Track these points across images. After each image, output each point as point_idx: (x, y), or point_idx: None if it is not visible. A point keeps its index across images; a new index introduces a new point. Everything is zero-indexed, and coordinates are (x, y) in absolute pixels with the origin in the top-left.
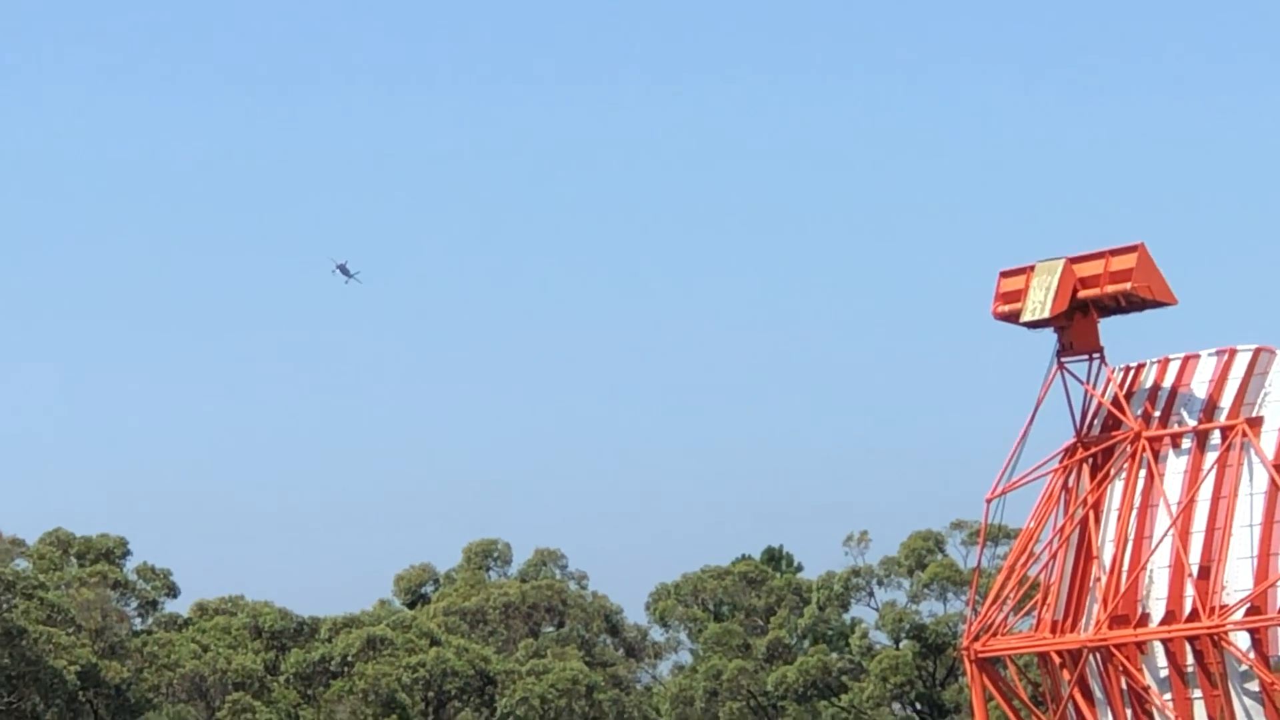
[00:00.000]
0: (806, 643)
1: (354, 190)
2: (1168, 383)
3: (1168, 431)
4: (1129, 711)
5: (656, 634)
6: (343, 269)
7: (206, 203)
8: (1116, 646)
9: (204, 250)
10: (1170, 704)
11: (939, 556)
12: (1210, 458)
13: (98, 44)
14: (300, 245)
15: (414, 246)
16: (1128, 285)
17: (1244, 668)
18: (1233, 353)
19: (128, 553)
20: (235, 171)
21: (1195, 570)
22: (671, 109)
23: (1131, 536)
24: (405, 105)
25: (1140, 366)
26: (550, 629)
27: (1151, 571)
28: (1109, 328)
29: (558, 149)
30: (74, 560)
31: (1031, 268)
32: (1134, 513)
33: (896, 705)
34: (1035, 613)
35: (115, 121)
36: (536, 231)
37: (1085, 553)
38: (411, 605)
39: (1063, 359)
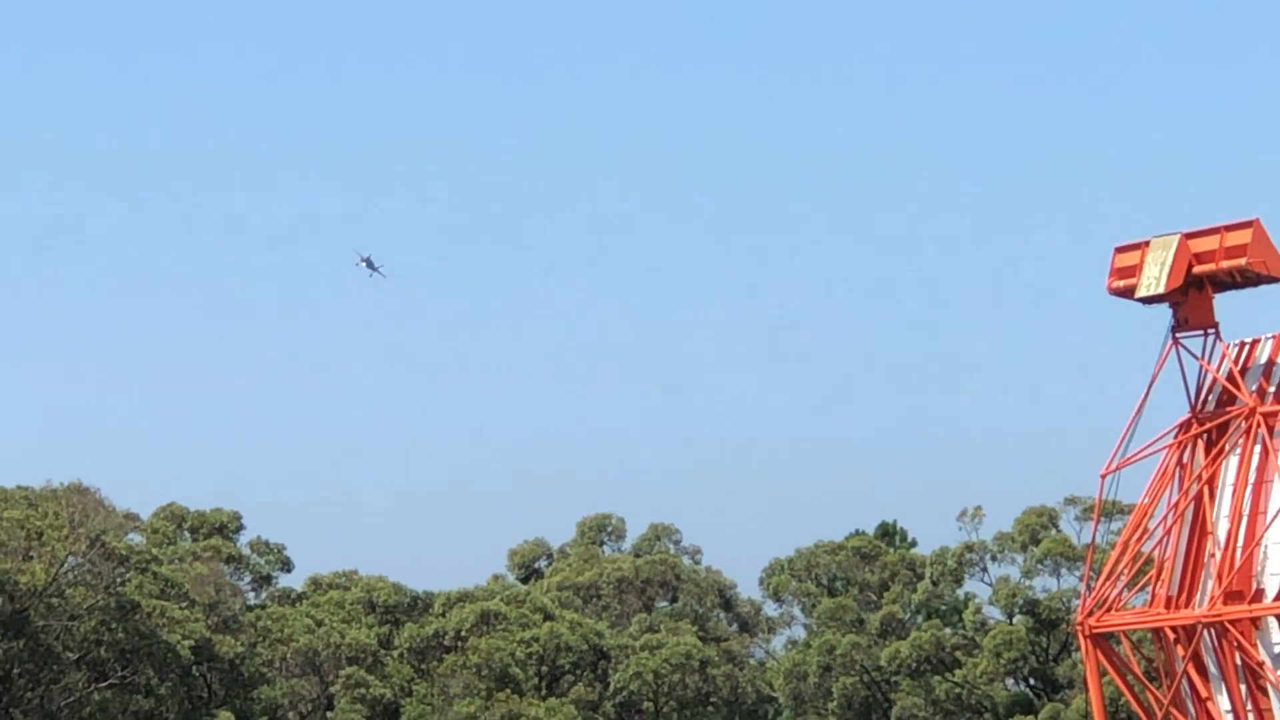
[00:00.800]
0: (920, 618)
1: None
2: None
3: None
4: (1243, 687)
5: (770, 609)
6: (368, 262)
7: (310, 184)
8: (1231, 622)
9: (308, 227)
10: None
11: (1053, 532)
12: None
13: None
14: (409, 216)
15: (520, 218)
16: (1243, 260)
17: None
18: None
19: (241, 527)
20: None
21: None
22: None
23: (1246, 512)
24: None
25: (1255, 342)
26: (664, 604)
27: (1266, 547)
28: (1224, 303)
29: (654, 105)
30: (187, 535)
31: (1147, 243)
32: (1249, 488)
33: (1010, 680)
34: (1149, 588)
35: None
36: (639, 196)
37: (1200, 528)
38: (525, 580)
39: (1177, 334)
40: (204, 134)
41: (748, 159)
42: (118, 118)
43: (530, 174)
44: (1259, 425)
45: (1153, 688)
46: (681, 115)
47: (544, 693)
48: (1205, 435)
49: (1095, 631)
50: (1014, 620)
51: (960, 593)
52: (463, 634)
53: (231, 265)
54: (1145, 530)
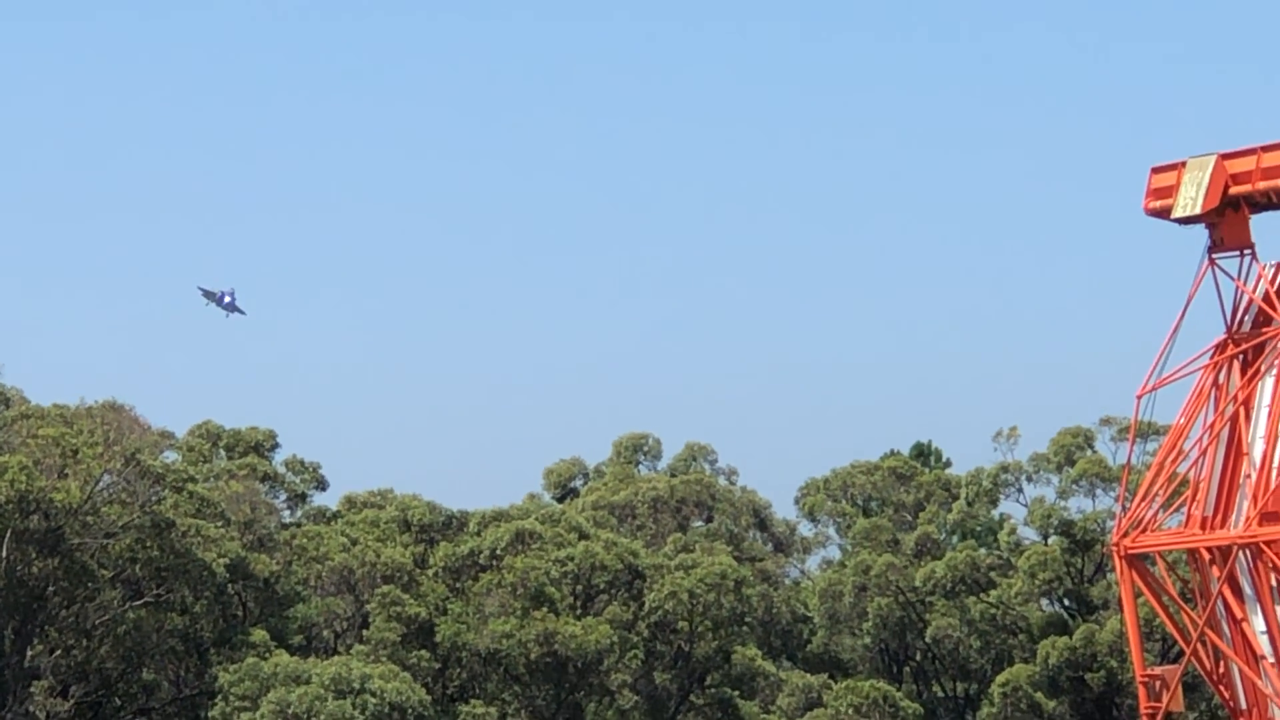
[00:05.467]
0: (955, 538)
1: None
2: None
3: None
4: (1278, 608)
5: (805, 529)
6: (208, 294)
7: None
8: (1267, 543)
9: (346, 146)
10: None
11: (1088, 453)
12: None
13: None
14: (456, 144)
15: (573, 142)
16: (1279, 181)
17: None
18: None
19: (276, 445)
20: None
21: None
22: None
23: None
24: None
25: None
26: (699, 524)
27: None
28: (1260, 224)
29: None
30: (223, 453)
31: (1183, 164)
32: None
33: (1044, 601)
34: (1185, 509)
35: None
36: (673, 113)
37: (1235, 449)
38: (560, 499)
39: (1214, 255)
40: None
41: (773, 73)
42: None
43: (565, 86)
44: None
45: (1188, 609)
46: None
47: (579, 612)
48: (1241, 356)
49: (1130, 552)
50: (1049, 541)
51: (995, 513)
52: (498, 553)
53: (269, 171)
54: (1181, 451)
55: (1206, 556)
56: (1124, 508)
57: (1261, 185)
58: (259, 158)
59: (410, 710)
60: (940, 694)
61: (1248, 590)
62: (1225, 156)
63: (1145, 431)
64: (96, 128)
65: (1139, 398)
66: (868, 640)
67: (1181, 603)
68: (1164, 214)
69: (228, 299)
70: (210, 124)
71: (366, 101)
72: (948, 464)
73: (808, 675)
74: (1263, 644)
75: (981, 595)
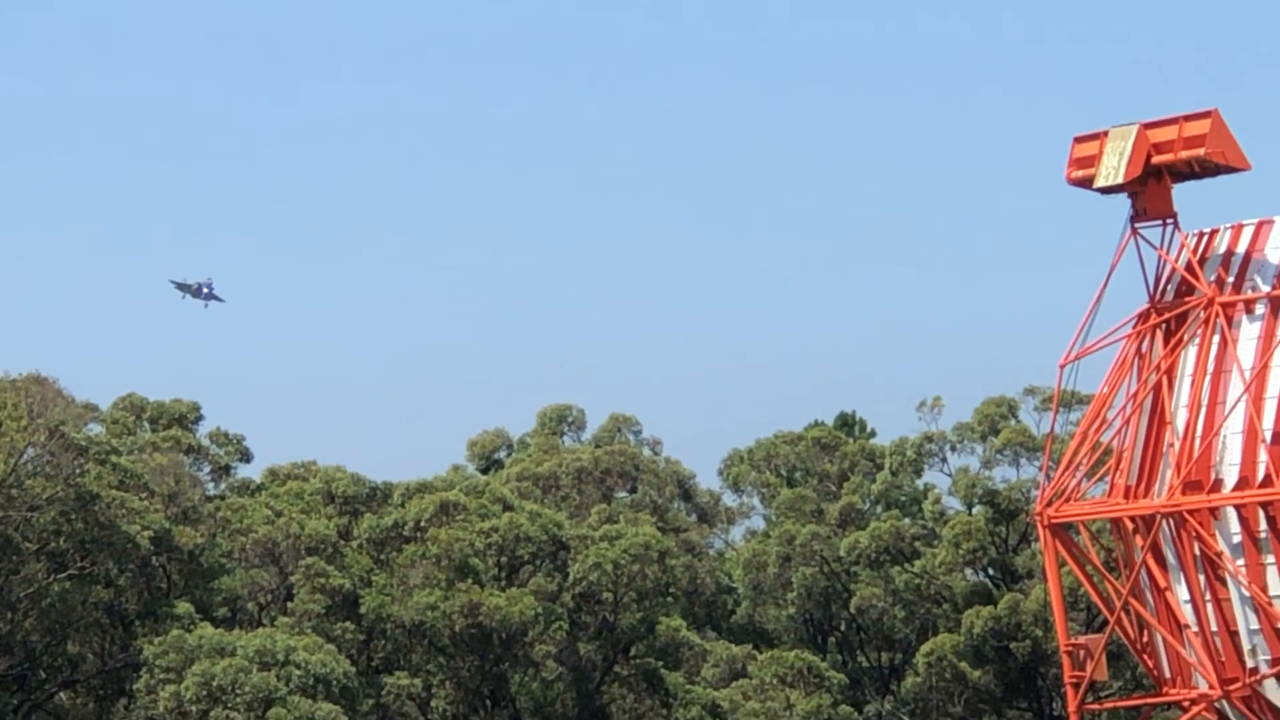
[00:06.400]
0: (879, 509)
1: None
2: (1241, 248)
3: (1241, 297)
4: (1202, 577)
5: (729, 500)
6: (183, 287)
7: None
8: (1190, 512)
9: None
10: (1243, 570)
11: (1012, 422)
12: None
13: None
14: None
15: (498, 112)
16: (1202, 151)
17: None
18: None
19: (200, 418)
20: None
21: (1269, 436)
22: None
23: (1205, 402)
24: None
25: (1214, 232)
26: (623, 495)
27: (1225, 437)
28: (1183, 193)
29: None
30: (146, 426)
31: (1106, 133)
32: (1207, 378)
33: (969, 571)
34: (1108, 478)
35: None
36: (602, 87)
37: (1158, 418)
38: (485, 470)
39: (1136, 224)
40: None
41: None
42: None
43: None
44: (1217, 315)
45: (1111, 578)
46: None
47: (503, 583)
48: (1164, 325)
49: (1054, 521)
50: (973, 511)
51: (920, 483)
52: (422, 525)
53: (189, 141)
54: (1104, 420)
55: (1130, 526)
56: (1048, 477)
57: (1184, 154)
58: (161, 136)
59: (335, 682)
60: (865, 664)
61: (1171, 559)
62: (1148, 126)
63: (1069, 401)
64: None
65: (1062, 367)
66: (792, 611)
67: (1105, 572)
68: (1086, 183)
69: (205, 289)
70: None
71: (257, 70)
72: (872, 434)
73: (732, 646)
74: (1186, 613)
75: (906, 565)
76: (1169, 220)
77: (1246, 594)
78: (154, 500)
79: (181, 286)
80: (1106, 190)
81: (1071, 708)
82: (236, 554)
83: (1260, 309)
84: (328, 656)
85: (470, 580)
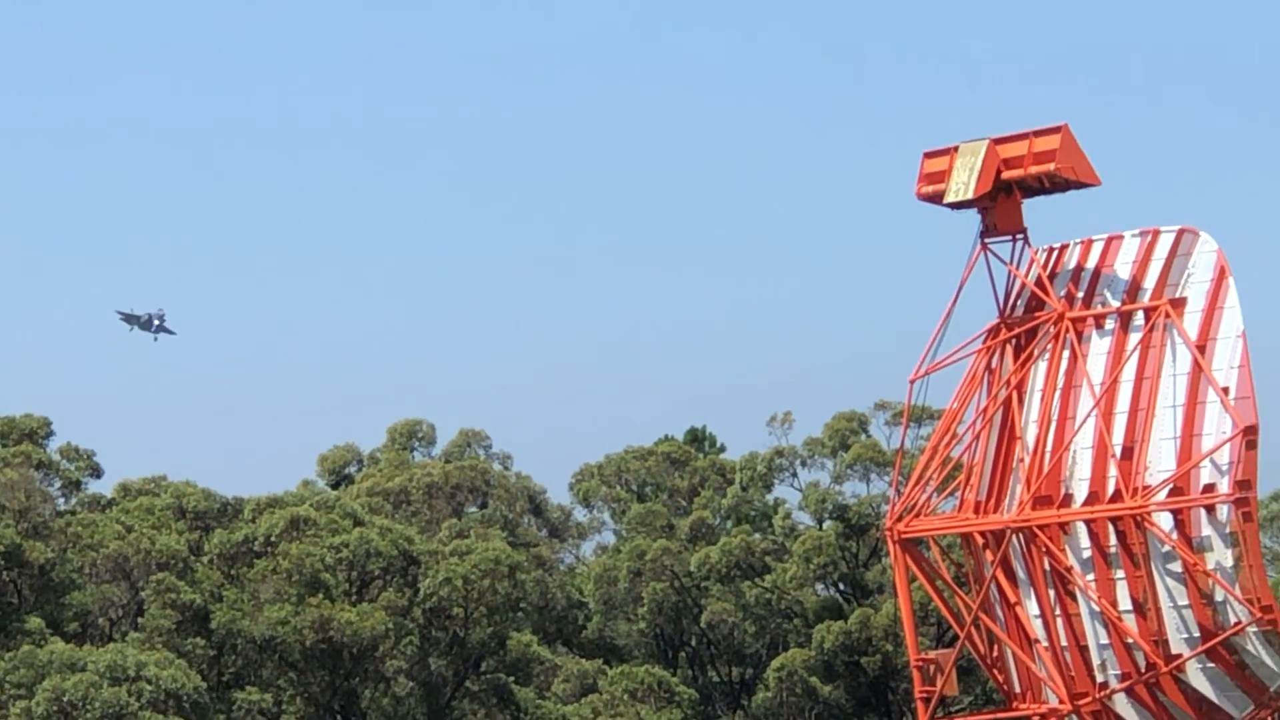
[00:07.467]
0: (730, 524)
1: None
2: (1091, 263)
3: (1091, 312)
4: (1052, 592)
5: (580, 515)
6: (130, 318)
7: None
8: (1039, 527)
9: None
10: (1093, 585)
11: (863, 437)
12: (1134, 339)
13: None
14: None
15: (337, 128)
16: (1051, 166)
17: (1166, 548)
18: (1156, 234)
19: (51, 433)
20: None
21: (1118, 451)
22: None
23: (1055, 417)
24: None
25: (1064, 247)
26: (473, 510)
27: (1075, 452)
28: (1033, 209)
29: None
30: None
31: (955, 148)
32: (1057, 393)
33: (820, 585)
34: (959, 493)
35: None
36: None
37: (1008, 433)
38: (335, 485)
39: (986, 240)
40: None
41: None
42: None
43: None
44: (1067, 330)
45: (962, 593)
46: None
47: (354, 598)
48: (1014, 340)
49: (904, 536)
50: (824, 526)
51: (770, 498)
52: (273, 539)
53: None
54: (954, 435)
55: (980, 541)
56: (898, 492)
57: (1034, 170)
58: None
59: (185, 697)
60: (716, 679)
61: (1021, 574)
62: (997, 141)
63: (919, 416)
64: None
65: (912, 382)
66: (643, 625)
67: (955, 587)
68: (936, 199)
69: (156, 321)
70: None
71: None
72: (722, 449)
73: (583, 661)
74: (1036, 628)
75: (757, 580)
76: (1019, 235)
77: (1096, 609)
78: (4, 515)
79: (129, 318)
80: (957, 206)
81: None
82: (87, 569)
83: (1110, 324)
84: (178, 672)
85: (321, 595)
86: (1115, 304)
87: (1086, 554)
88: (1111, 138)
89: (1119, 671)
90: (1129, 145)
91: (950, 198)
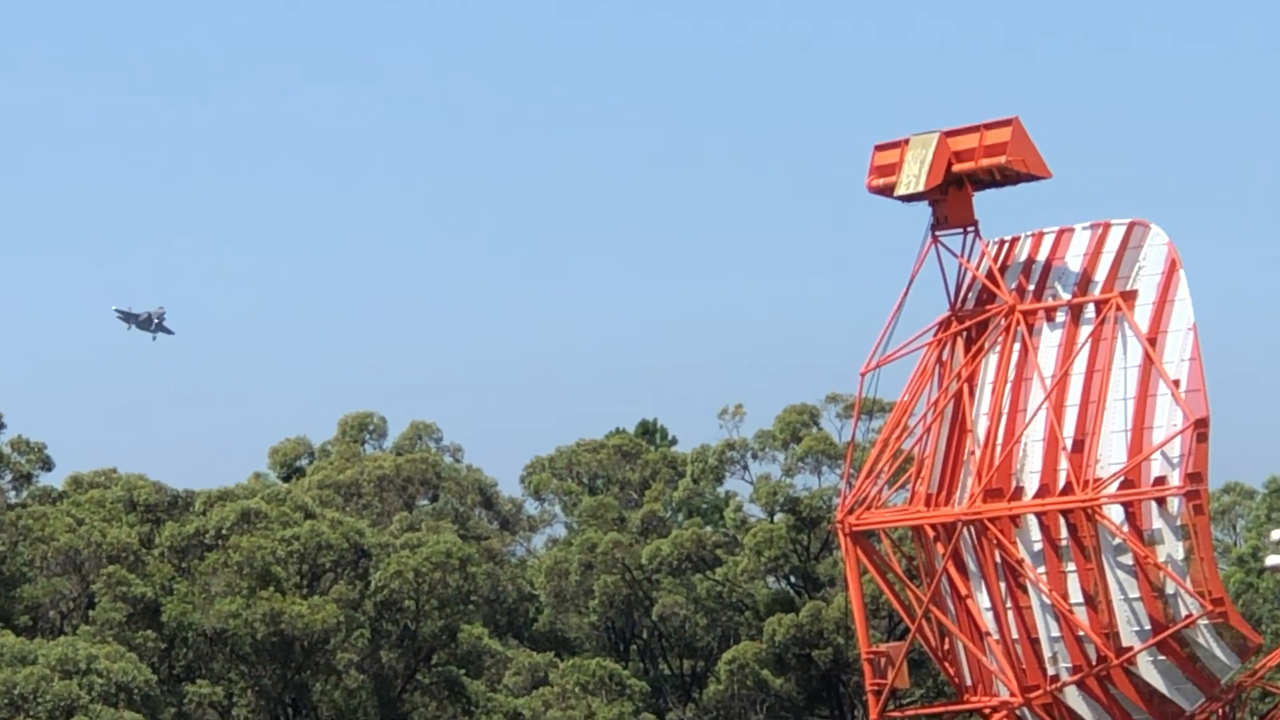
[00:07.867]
0: (681, 516)
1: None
2: (1042, 256)
3: (1042, 305)
4: (1003, 585)
5: (531, 507)
6: (129, 317)
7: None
8: (990, 520)
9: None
10: (1044, 577)
11: (814, 430)
12: (1084, 331)
13: None
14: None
15: (313, 120)
16: (1002, 159)
17: (1117, 541)
18: (1107, 226)
19: (2, 425)
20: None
21: (1069, 444)
22: None
23: (1006, 410)
24: None
25: (1015, 240)
26: (425, 502)
27: (1025, 445)
28: (983, 201)
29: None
30: None
31: (906, 141)
32: (1008, 386)
33: (771, 578)
34: (909, 486)
35: None
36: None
37: (959, 426)
38: (286, 478)
39: (937, 232)
40: None
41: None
42: None
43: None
44: (1018, 323)
45: (913, 585)
46: None
47: (305, 591)
48: (965, 333)
49: (855, 529)
50: (775, 518)
51: (721, 491)
52: (224, 532)
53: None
54: (905, 428)
55: (931, 533)
56: (849, 485)
57: (984, 163)
58: None
59: (136, 690)
60: (667, 671)
61: (972, 567)
62: (948, 134)
63: (870, 409)
64: None
65: (863, 375)
66: (594, 618)
67: (906, 580)
68: (887, 191)
69: (156, 320)
70: None
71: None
72: (673, 442)
73: (534, 654)
74: (987, 620)
75: (708, 573)
76: (970, 228)
77: (1047, 601)
78: None
79: (127, 316)
80: (907, 198)
81: (873, 715)
82: (38, 562)
83: (1061, 317)
84: (129, 665)
85: (272, 588)
86: (1066, 297)
87: (1038, 547)
88: (1062, 130)
89: (1070, 664)
90: (1080, 138)
91: (901, 190)
